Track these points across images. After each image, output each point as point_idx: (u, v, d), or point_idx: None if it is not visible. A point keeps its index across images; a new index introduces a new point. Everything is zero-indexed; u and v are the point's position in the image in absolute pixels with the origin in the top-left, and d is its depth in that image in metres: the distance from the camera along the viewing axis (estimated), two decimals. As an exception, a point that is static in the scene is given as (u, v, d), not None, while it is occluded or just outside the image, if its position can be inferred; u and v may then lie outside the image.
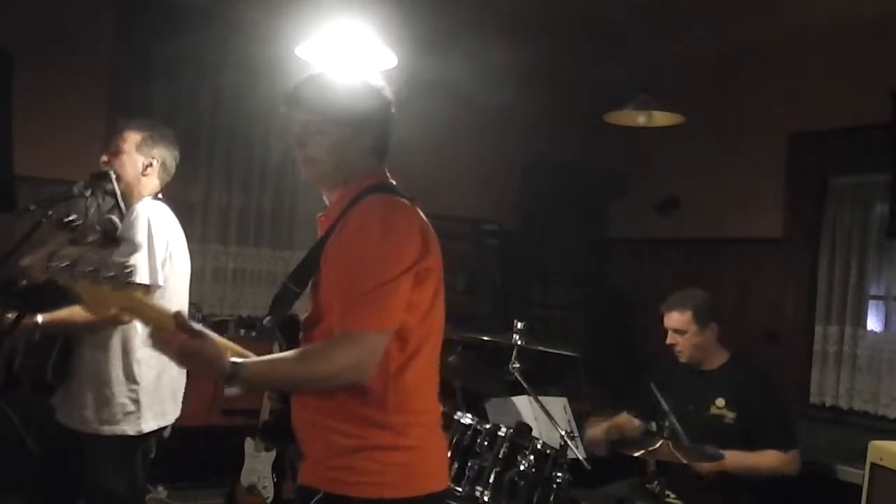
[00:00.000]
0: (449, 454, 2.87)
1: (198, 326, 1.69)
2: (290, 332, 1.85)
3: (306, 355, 1.73)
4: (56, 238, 1.62)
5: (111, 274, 1.60)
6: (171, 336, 1.67)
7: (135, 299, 1.68)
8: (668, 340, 3.43)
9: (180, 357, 1.68)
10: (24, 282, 1.73)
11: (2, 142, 3.54)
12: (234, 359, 1.66)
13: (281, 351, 1.83)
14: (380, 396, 1.74)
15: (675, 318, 3.41)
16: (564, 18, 4.94)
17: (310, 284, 1.86)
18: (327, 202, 1.94)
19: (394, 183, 1.93)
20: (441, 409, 1.91)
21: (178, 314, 1.68)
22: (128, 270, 1.61)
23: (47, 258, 1.57)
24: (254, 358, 1.70)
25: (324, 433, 1.77)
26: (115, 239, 1.61)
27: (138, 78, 4.59)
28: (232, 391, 1.67)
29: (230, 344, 1.80)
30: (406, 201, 1.85)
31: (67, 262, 1.58)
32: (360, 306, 1.68)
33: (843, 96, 4.42)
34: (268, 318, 1.87)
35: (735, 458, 3.13)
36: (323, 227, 1.89)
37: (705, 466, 3.09)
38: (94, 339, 2.70)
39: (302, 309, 1.91)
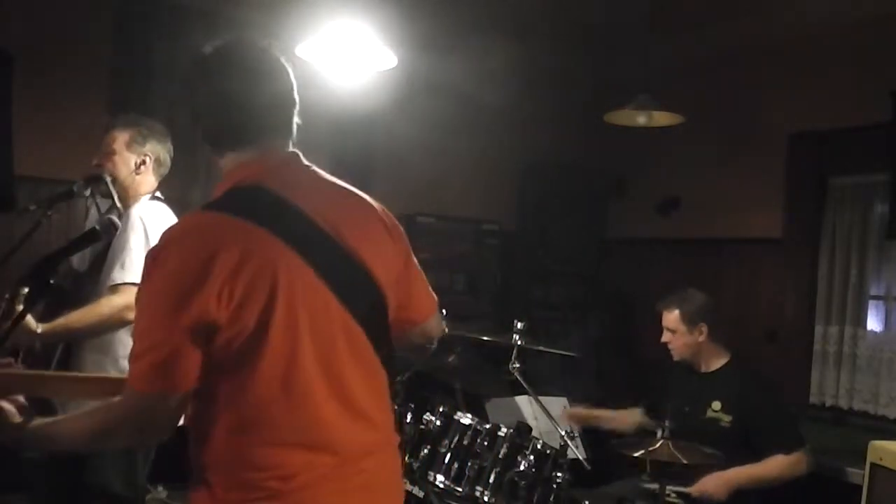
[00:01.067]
0: (448, 456, 2.89)
1: None
2: (51, 300, 1.76)
3: (90, 417, 1.52)
4: None
5: None
6: None
7: None
8: (662, 339, 3.47)
9: None
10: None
11: (2, 142, 3.54)
12: (18, 421, 1.52)
13: (37, 317, 1.72)
14: (210, 456, 1.50)
15: (665, 317, 3.45)
16: (565, 18, 4.94)
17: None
18: None
19: (249, 178, 1.59)
20: (325, 457, 1.51)
21: None
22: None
23: None
24: (42, 420, 1.55)
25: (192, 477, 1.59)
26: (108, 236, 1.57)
27: (138, 78, 4.59)
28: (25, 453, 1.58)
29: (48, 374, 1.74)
30: (214, 213, 1.54)
31: None
32: (134, 364, 1.46)
33: (843, 96, 4.42)
34: (18, 283, 1.77)
35: (740, 474, 3.14)
36: None
37: (711, 490, 3.12)
38: (93, 342, 2.70)
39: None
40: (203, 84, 1.62)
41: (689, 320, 3.37)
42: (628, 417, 3.69)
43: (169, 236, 1.51)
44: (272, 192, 1.55)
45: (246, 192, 1.56)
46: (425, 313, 1.85)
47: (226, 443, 1.49)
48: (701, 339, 3.38)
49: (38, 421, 1.55)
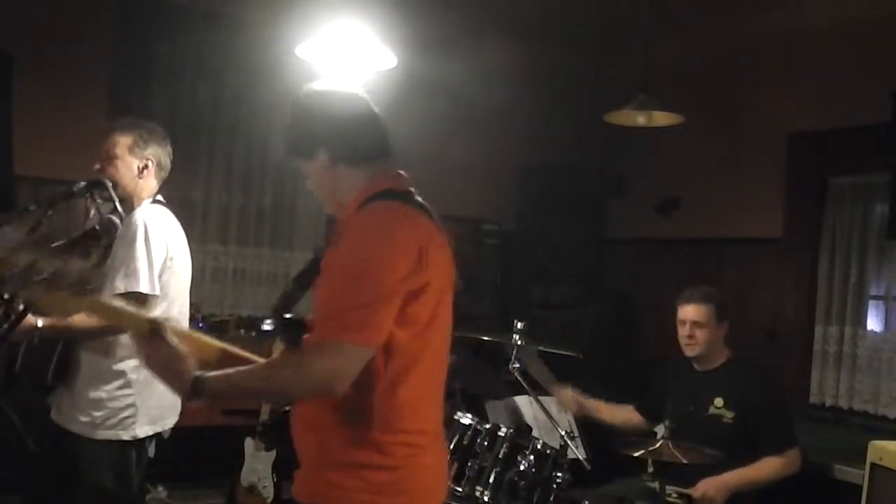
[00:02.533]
0: (448, 456, 2.89)
1: (173, 339, 1.67)
2: (292, 333, 1.81)
3: (274, 367, 1.69)
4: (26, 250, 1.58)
5: (71, 281, 1.56)
6: (142, 340, 1.66)
7: (100, 304, 1.67)
8: (685, 333, 3.41)
9: (148, 364, 1.67)
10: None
11: (2, 142, 3.54)
12: (199, 373, 1.63)
13: (283, 351, 1.80)
14: (366, 414, 1.68)
15: (694, 311, 3.39)
16: (564, 19, 4.94)
17: (312, 287, 1.83)
18: None
19: (406, 186, 1.87)
20: (438, 426, 1.84)
21: (154, 320, 1.67)
22: (89, 278, 1.58)
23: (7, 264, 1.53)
24: (218, 372, 1.66)
25: (314, 445, 1.76)
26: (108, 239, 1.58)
27: (138, 78, 4.59)
28: (196, 403, 1.63)
29: (223, 346, 1.79)
30: (413, 209, 1.78)
31: (26, 270, 1.53)
32: (343, 316, 1.62)
33: (843, 96, 4.42)
34: (269, 320, 1.87)
35: (738, 478, 3.15)
36: (338, 232, 1.85)
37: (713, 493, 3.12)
38: (91, 344, 2.70)
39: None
40: (337, 108, 1.86)
41: (720, 315, 3.38)
42: (621, 412, 3.69)
43: (390, 214, 1.72)
44: (415, 197, 1.84)
45: (405, 194, 1.82)
46: None
47: (392, 400, 1.70)
48: (723, 334, 3.39)
49: (218, 372, 1.65)
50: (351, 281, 1.64)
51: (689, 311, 3.41)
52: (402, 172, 1.89)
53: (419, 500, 1.76)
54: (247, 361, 1.82)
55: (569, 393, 3.60)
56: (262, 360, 1.82)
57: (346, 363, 1.61)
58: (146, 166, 2.83)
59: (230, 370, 1.66)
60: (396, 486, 1.70)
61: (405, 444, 1.71)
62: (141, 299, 2.68)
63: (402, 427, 1.71)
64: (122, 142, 2.81)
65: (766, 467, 3.18)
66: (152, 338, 1.66)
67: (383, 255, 1.66)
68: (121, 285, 2.65)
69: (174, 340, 1.67)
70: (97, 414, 2.65)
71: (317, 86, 1.89)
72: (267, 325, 1.69)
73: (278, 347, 1.87)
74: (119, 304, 1.73)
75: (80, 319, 2.63)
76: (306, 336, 1.79)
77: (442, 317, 1.78)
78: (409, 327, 1.69)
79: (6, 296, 2.37)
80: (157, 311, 2.74)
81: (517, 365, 3.28)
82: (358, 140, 1.86)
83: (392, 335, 1.67)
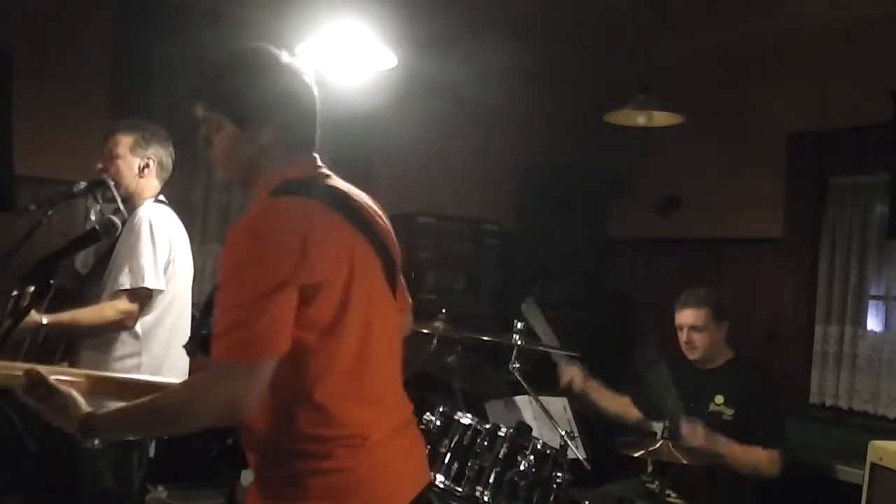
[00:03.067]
0: (448, 456, 2.89)
1: (52, 380, 1.60)
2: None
3: (171, 395, 1.58)
4: None
5: None
6: (25, 392, 1.60)
7: None
8: (683, 339, 3.42)
9: (44, 413, 1.62)
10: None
11: (2, 142, 3.54)
12: (88, 411, 1.56)
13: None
14: (290, 426, 1.59)
15: (692, 315, 3.40)
16: (564, 18, 4.95)
17: None
18: None
19: (316, 173, 1.73)
20: (387, 422, 1.71)
21: (30, 370, 1.59)
22: None
23: None
24: (109, 408, 1.59)
25: (255, 463, 1.70)
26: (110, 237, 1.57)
27: (138, 78, 4.58)
28: (91, 444, 1.61)
29: (111, 376, 1.82)
30: (306, 200, 1.62)
31: None
32: (228, 336, 1.50)
33: (843, 96, 4.42)
34: (185, 343, 1.77)
35: (725, 444, 3.17)
36: None
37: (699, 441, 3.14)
38: (94, 342, 2.70)
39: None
40: (274, 84, 1.70)
41: (717, 317, 3.38)
42: (618, 401, 3.69)
43: (263, 215, 1.60)
44: (325, 183, 1.71)
45: (304, 183, 1.67)
46: (404, 305, 1.95)
47: (313, 405, 1.59)
48: (724, 335, 3.39)
49: (107, 409, 1.59)
50: (228, 297, 1.53)
51: (685, 316, 3.42)
52: (314, 156, 1.77)
53: (373, 500, 1.65)
54: (149, 388, 1.74)
55: (576, 370, 3.61)
56: (169, 382, 1.76)
57: (246, 385, 1.49)
58: (147, 165, 2.84)
59: (124, 404, 1.58)
60: (337, 490, 1.60)
61: (342, 446, 1.61)
62: (146, 294, 2.70)
63: (332, 433, 1.60)
64: (125, 141, 2.82)
65: (751, 454, 3.20)
66: (33, 388, 1.59)
67: (258, 263, 1.52)
68: (126, 281, 2.66)
69: (55, 385, 1.60)
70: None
71: (270, 56, 1.73)
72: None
73: None
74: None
75: (85, 315, 2.64)
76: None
77: (358, 307, 1.63)
78: (312, 330, 1.57)
79: (14, 292, 2.38)
80: (155, 312, 2.76)
81: (517, 365, 3.28)
82: (305, 129, 1.75)
83: (296, 340, 1.55)
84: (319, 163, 1.77)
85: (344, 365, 1.62)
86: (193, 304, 3.06)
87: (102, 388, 1.76)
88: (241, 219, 1.61)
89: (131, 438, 1.65)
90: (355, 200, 1.74)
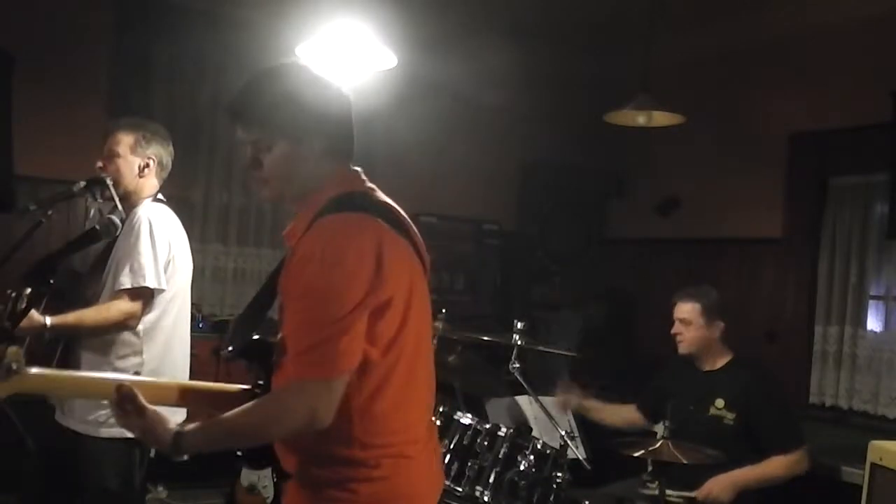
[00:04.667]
0: (448, 456, 2.89)
1: (142, 401, 1.61)
2: (257, 357, 1.76)
3: (254, 411, 1.62)
4: None
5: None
6: (116, 407, 1.62)
7: (33, 383, 1.63)
8: (673, 330, 3.46)
9: (127, 428, 1.64)
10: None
11: (2, 142, 3.54)
12: (178, 429, 1.59)
13: (253, 375, 1.76)
14: (345, 434, 1.65)
15: (683, 309, 3.43)
16: (564, 18, 4.95)
17: (275, 308, 1.77)
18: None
19: (365, 187, 1.78)
20: (424, 430, 1.79)
21: (120, 387, 1.61)
22: (12, 360, 1.56)
23: None
24: (197, 423, 1.62)
25: (297, 465, 1.73)
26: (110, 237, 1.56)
27: (138, 78, 4.59)
28: (181, 459, 1.64)
29: (188, 384, 1.78)
30: (367, 215, 1.68)
31: None
32: (311, 354, 1.58)
33: (843, 96, 4.42)
34: (228, 350, 1.78)
35: (746, 476, 3.15)
36: (291, 240, 1.75)
37: (717, 493, 3.13)
38: (93, 342, 2.70)
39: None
40: (316, 97, 1.73)
41: (708, 314, 3.38)
42: (622, 412, 3.70)
43: (337, 233, 1.62)
44: (378, 198, 1.77)
45: (363, 196, 1.74)
46: None
47: (371, 416, 1.66)
48: (716, 335, 3.39)
49: (193, 424, 1.62)
50: (310, 313, 1.59)
51: (677, 309, 3.46)
52: (358, 170, 1.81)
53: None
54: (217, 395, 1.78)
55: (571, 396, 3.60)
56: (234, 388, 1.78)
57: (324, 400, 1.58)
58: (147, 165, 2.84)
59: (208, 421, 1.63)
60: (385, 496, 1.69)
61: (389, 456, 1.69)
62: (147, 294, 2.70)
63: (383, 441, 1.68)
64: (125, 140, 2.82)
65: (773, 466, 3.18)
66: (122, 403, 1.61)
67: (339, 282, 1.58)
68: (126, 281, 2.66)
69: (144, 404, 1.62)
70: (101, 412, 2.66)
71: (306, 70, 1.77)
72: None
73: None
74: (81, 374, 1.70)
75: (89, 316, 2.65)
76: (273, 359, 1.73)
77: (414, 320, 1.71)
78: (379, 343, 1.65)
79: (10, 292, 2.38)
80: (156, 311, 2.76)
81: (517, 365, 3.28)
82: (347, 134, 1.78)
83: (364, 354, 1.62)
84: (363, 176, 1.81)
85: (400, 377, 1.69)
86: (193, 304, 3.06)
87: (166, 395, 1.76)
88: (313, 235, 1.63)
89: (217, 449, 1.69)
90: (400, 213, 1.80)
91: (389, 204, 1.79)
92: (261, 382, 1.76)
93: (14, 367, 1.57)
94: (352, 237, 1.62)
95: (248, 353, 1.77)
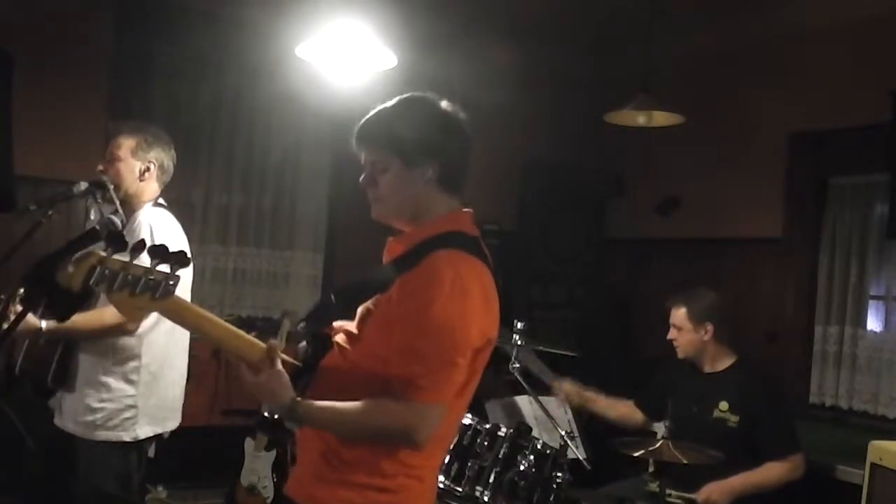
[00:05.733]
0: (448, 456, 2.89)
1: (278, 360, 1.68)
2: (318, 347, 1.81)
3: (371, 411, 1.70)
4: (98, 249, 1.56)
5: (150, 284, 1.55)
6: (254, 366, 1.68)
7: (177, 308, 1.65)
8: (668, 336, 3.47)
9: (251, 388, 1.69)
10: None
11: (2, 142, 3.54)
12: (297, 398, 1.67)
13: (303, 357, 1.81)
14: (380, 445, 1.74)
15: (673, 314, 3.47)
16: (564, 18, 4.94)
17: (360, 310, 1.82)
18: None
19: (476, 232, 1.90)
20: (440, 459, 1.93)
21: (270, 348, 1.68)
22: (171, 282, 1.56)
23: (91, 267, 1.50)
24: (318, 403, 1.71)
25: (319, 454, 1.77)
26: (123, 241, 1.55)
27: (138, 78, 4.58)
28: (291, 426, 1.72)
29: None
30: (479, 260, 1.80)
31: (109, 272, 1.51)
32: (429, 377, 1.67)
33: (843, 96, 4.42)
34: (303, 324, 1.84)
35: (744, 482, 3.16)
36: (391, 254, 1.84)
37: (716, 498, 3.14)
38: (92, 345, 2.70)
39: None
40: (436, 125, 1.91)
41: (696, 319, 3.38)
42: (620, 406, 3.70)
43: (465, 267, 1.74)
44: (480, 244, 1.87)
45: (474, 241, 1.86)
46: None
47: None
48: (706, 338, 3.39)
49: (317, 403, 1.70)
50: (431, 338, 1.67)
51: (671, 314, 3.47)
52: (470, 211, 1.94)
53: None
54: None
55: (568, 385, 3.61)
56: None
57: (430, 424, 1.70)
58: (148, 169, 2.84)
59: (324, 402, 1.70)
60: None
61: (406, 475, 1.77)
62: None
63: (412, 462, 1.77)
64: (126, 144, 2.82)
65: (771, 472, 3.19)
66: (264, 365, 1.67)
67: (462, 318, 1.69)
68: None
69: (281, 368, 1.68)
70: (98, 415, 2.65)
71: (434, 104, 1.95)
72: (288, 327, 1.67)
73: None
74: (193, 308, 1.69)
75: (84, 320, 2.63)
76: (329, 355, 1.79)
77: (479, 372, 1.83)
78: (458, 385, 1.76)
79: (3, 295, 2.38)
80: (154, 315, 2.76)
81: (517, 365, 3.28)
82: (460, 168, 1.93)
83: None
84: (472, 219, 1.93)
85: (458, 417, 1.88)
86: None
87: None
88: (439, 265, 1.71)
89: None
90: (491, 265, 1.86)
91: (487, 253, 1.88)
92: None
93: (172, 286, 1.57)
94: (475, 279, 1.74)
95: (314, 341, 1.81)
